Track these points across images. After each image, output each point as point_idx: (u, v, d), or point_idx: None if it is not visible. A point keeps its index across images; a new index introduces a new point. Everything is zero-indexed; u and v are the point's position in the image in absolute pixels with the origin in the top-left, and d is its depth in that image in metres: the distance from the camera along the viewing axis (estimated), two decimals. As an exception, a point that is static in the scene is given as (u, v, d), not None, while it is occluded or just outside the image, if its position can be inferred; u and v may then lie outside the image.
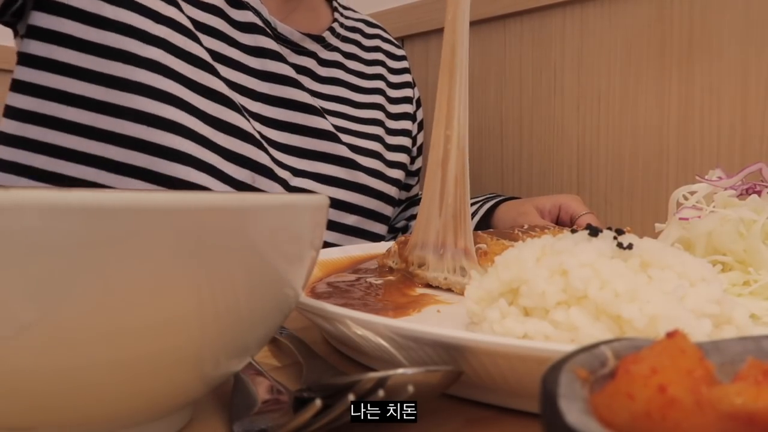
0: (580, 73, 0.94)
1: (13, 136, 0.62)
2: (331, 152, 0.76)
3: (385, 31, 0.97)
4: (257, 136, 0.69)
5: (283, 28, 0.76)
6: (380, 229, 0.82)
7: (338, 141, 0.77)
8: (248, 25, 0.72)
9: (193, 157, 0.62)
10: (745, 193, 0.45)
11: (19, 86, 0.62)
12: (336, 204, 0.76)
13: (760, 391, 0.15)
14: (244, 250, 0.21)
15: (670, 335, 0.17)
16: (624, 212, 0.90)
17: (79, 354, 0.19)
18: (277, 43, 0.75)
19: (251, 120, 0.69)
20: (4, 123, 0.62)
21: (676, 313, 0.27)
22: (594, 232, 0.32)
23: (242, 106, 0.69)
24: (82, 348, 0.19)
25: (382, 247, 0.56)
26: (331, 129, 0.76)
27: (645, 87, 0.87)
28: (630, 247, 0.31)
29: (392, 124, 0.87)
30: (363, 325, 0.29)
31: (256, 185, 0.68)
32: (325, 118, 0.76)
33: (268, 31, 0.74)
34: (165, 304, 0.20)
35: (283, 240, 0.23)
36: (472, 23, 1.04)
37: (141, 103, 0.60)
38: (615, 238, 0.32)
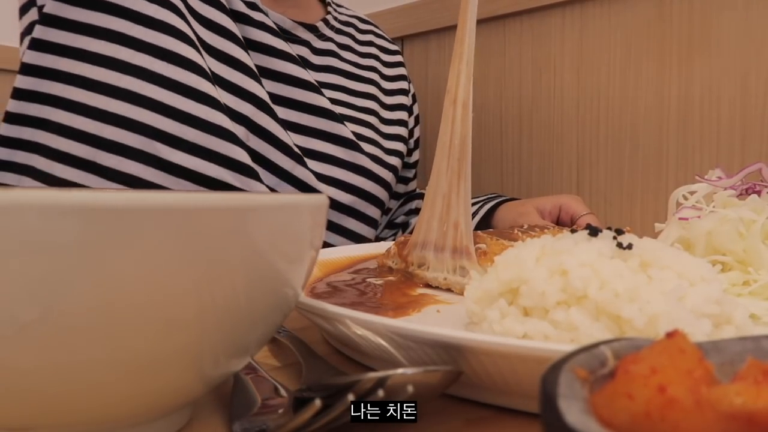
0: (579, 72, 0.94)
1: (48, 69, 0.63)
2: (331, 131, 0.76)
3: (377, 27, 0.98)
4: (262, 97, 0.70)
5: (274, 15, 0.76)
6: (374, 212, 0.82)
7: (339, 121, 0.77)
8: (251, 3, 0.73)
9: (207, 95, 0.64)
10: (744, 193, 0.45)
11: (49, 20, 0.63)
12: (333, 182, 0.76)
13: (759, 391, 0.15)
14: (243, 250, 0.21)
15: (670, 335, 0.17)
16: (624, 212, 0.90)
17: (79, 353, 0.19)
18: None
19: (258, 83, 0.70)
20: (29, 55, 0.64)
21: (676, 313, 0.27)
22: (594, 232, 0.33)
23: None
24: (81, 347, 0.19)
25: (382, 247, 0.56)
26: (332, 108, 0.77)
27: (644, 86, 0.87)
28: (630, 247, 0.31)
29: (387, 114, 0.88)
30: (363, 325, 0.29)
31: (249, 143, 0.69)
32: (325, 97, 0.77)
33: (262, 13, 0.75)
34: (165, 304, 0.20)
35: (282, 240, 0.23)
36: (472, 23, 1.02)
37: (162, 39, 0.63)
38: (614, 238, 0.32)
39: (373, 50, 0.92)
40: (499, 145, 1.06)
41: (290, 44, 0.77)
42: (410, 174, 0.96)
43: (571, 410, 0.16)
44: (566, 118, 0.96)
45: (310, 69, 0.79)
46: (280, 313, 0.26)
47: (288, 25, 0.78)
